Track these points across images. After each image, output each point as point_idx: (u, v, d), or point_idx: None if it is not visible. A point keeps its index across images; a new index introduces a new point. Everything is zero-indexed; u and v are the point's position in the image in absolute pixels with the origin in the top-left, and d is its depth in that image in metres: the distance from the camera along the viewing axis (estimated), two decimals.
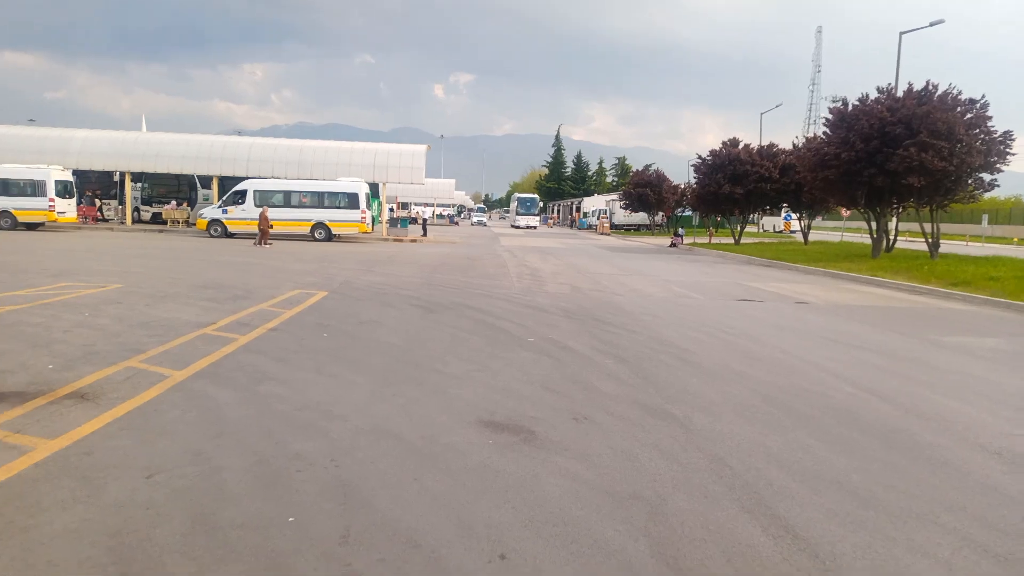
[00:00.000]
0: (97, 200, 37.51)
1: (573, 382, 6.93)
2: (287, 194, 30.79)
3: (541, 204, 76.60)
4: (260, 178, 32.24)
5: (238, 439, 5.01)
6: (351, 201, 30.36)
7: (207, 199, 36.03)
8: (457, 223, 74.13)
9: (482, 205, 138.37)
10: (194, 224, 33.34)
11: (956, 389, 7.31)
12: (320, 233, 30.36)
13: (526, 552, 3.53)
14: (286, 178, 33.14)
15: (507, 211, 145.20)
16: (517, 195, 78.92)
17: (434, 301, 12.32)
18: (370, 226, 31.79)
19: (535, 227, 67.07)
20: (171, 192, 38.38)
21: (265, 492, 4.14)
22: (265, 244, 26.49)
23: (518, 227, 66.94)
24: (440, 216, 76.08)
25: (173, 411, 5.59)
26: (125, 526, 3.67)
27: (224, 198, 30.92)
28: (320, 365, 7.26)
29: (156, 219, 37.42)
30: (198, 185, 37.85)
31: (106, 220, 37.43)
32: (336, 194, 30.67)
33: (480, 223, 78.29)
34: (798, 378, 7.51)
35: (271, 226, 27.51)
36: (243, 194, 30.16)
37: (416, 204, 71.85)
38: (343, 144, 36.98)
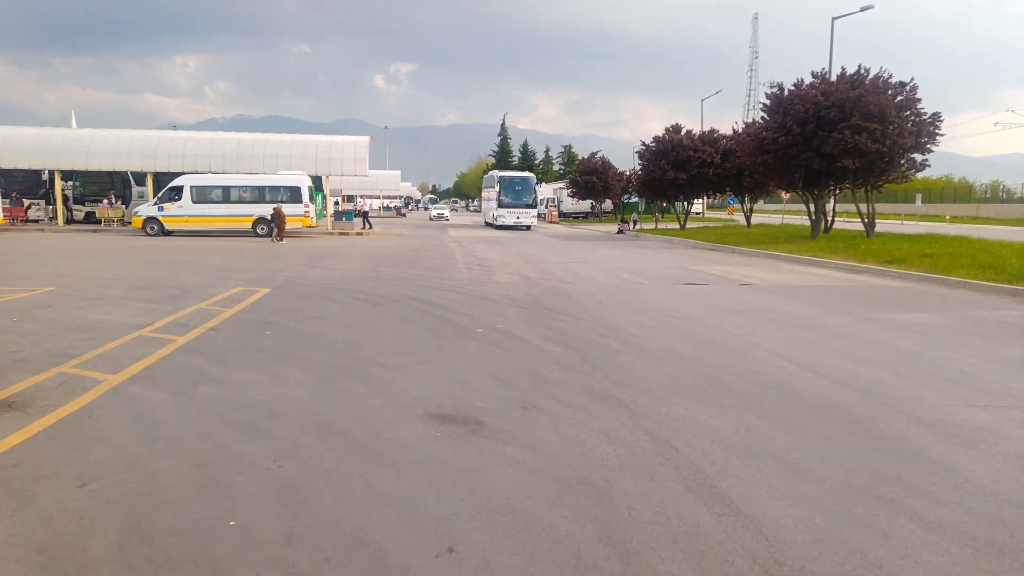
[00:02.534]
0: (24, 200, 35.88)
1: (521, 371, 6.92)
2: (226, 189, 29.94)
3: (537, 187, 46.34)
4: (197, 173, 31.30)
5: (176, 443, 4.85)
6: (293, 195, 29.71)
7: (142, 196, 34.81)
8: (405, 215, 72.51)
9: (433, 196, 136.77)
10: (129, 223, 32.20)
11: (892, 364, 7.55)
12: (262, 228, 29.65)
13: (474, 544, 3.50)
14: (224, 172, 32.22)
15: (473, 202, 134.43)
16: (498, 173, 46.26)
17: (380, 294, 12.16)
18: (314, 220, 31.20)
19: (531, 225, 42.40)
20: (104, 190, 36.92)
21: (205, 497, 4.02)
22: (281, 239, 27.14)
23: (504, 226, 41.91)
24: (387, 208, 74.88)
25: (107, 417, 5.38)
26: (55, 540, 3.51)
27: (160, 195, 29.88)
28: (262, 364, 7.08)
29: (90, 218, 35.99)
30: (132, 182, 36.53)
31: (35, 221, 35.85)
32: (277, 188, 29.97)
33: (440, 217, 60.70)
34: (741, 358, 7.66)
35: (284, 221, 27.93)
36: (179, 190, 29.22)
37: (362, 196, 64.16)
38: (283, 136, 36.14)
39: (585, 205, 60.24)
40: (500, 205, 42.37)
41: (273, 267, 16.71)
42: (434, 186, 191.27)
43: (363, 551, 3.44)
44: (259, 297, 11.61)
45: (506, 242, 28.73)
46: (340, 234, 33.52)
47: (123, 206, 35.64)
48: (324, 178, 35.73)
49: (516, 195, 42.63)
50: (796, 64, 44.64)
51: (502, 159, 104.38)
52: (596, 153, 58.24)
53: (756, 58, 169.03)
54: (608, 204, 58.12)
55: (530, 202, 42.99)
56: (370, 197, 70.02)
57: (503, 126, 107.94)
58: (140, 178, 35.59)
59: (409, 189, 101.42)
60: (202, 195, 29.29)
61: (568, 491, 4.13)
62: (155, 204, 29.58)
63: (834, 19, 30.21)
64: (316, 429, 5.14)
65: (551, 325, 9.42)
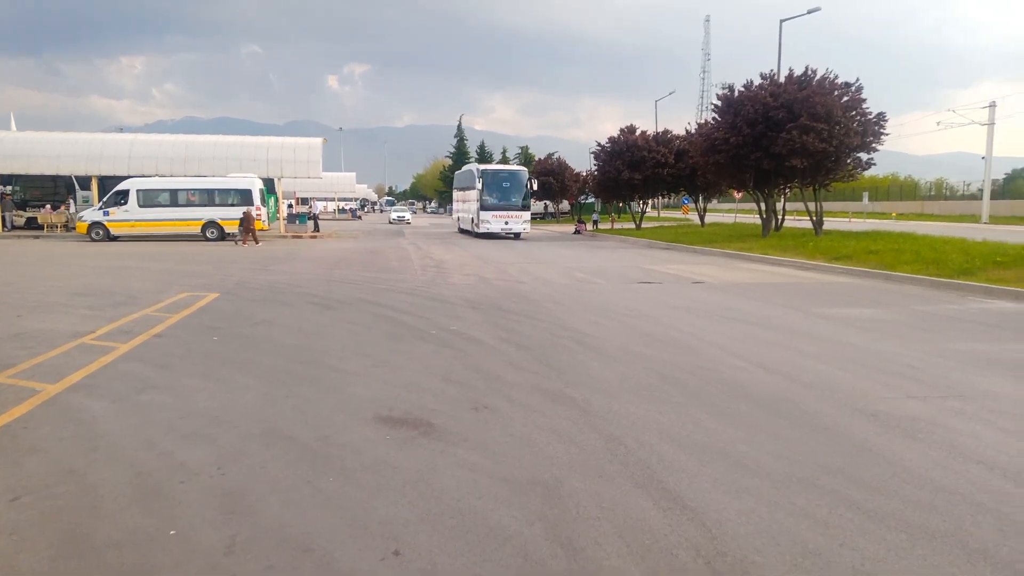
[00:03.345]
0: None
1: (475, 372, 6.91)
2: (174, 192, 29.25)
3: (530, 184, 35.05)
4: (144, 176, 30.52)
5: (116, 453, 4.71)
6: (244, 198, 29.16)
7: (87, 201, 33.80)
8: (360, 217, 71.49)
9: (390, 198, 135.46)
10: (73, 228, 31.24)
11: (837, 358, 7.74)
12: (212, 232, 29.05)
13: (421, 547, 3.48)
14: (172, 176, 31.49)
15: (431, 203, 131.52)
16: (479, 167, 35.04)
17: (333, 298, 12.02)
18: (266, 223, 30.72)
19: (520, 233, 33.29)
20: (47, 195, 35.77)
21: (144, 506, 3.91)
22: (246, 243, 26.63)
23: (488, 234, 33.13)
24: (342, 211, 73.95)
25: (44, 427, 5.20)
26: None
27: (105, 199, 29.06)
28: (208, 370, 6.93)
29: (32, 224, 34.81)
30: (76, 186, 35.45)
31: None
32: (228, 191, 29.40)
33: (401, 220, 56.09)
34: (692, 355, 7.77)
35: (254, 224, 27.56)
36: (125, 194, 28.44)
37: (317, 200, 62.34)
38: (233, 138, 35.51)
39: (541, 206, 60.50)
40: (484, 207, 32.44)
41: (222, 272, 16.38)
42: (390, 188, 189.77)
43: (307, 557, 3.39)
44: (207, 302, 11.36)
45: (464, 243, 28.66)
46: (293, 237, 33.03)
47: (67, 211, 34.57)
48: (276, 180, 35.18)
49: (504, 193, 33.05)
50: (747, 65, 45.63)
51: (459, 160, 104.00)
52: (553, 154, 58.53)
53: (708, 60, 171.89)
54: (565, 205, 58.49)
55: (522, 203, 33.23)
56: (324, 200, 68.79)
57: (460, 127, 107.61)
58: (85, 182, 34.56)
59: (365, 191, 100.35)
60: (149, 199, 28.59)
61: (517, 491, 4.13)
62: (100, 209, 28.76)
63: (782, 21, 30.95)
64: (263, 435, 5.05)
65: (506, 326, 9.43)
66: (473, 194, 34.00)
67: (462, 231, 38.58)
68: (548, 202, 57.70)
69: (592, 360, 7.50)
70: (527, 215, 33.62)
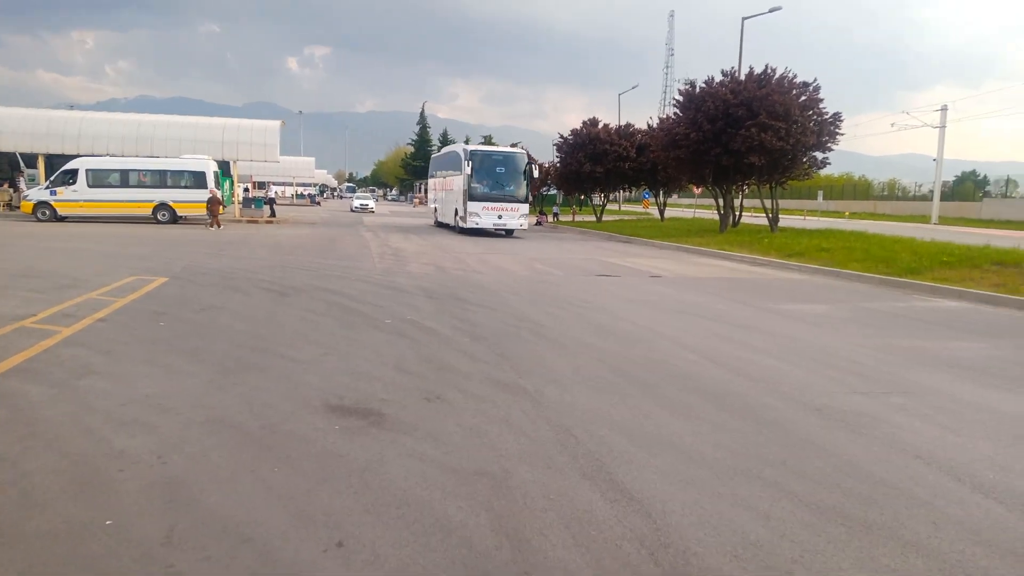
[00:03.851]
0: None
1: (428, 362, 6.86)
2: (124, 173, 28.39)
3: (531, 169, 28.77)
4: (94, 156, 29.57)
5: (52, 440, 4.55)
6: (197, 180, 28.46)
7: (33, 179, 32.64)
8: (319, 203, 70.35)
9: (350, 184, 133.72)
10: (18, 207, 30.15)
11: (786, 352, 7.89)
12: (163, 215, 28.31)
13: (365, 538, 3.43)
14: (124, 156, 30.57)
15: (391, 191, 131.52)
16: (467, 148, 29.35)
17: (287, 284, 11.81)
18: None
19: (516, 229, 27.66)
20: None
21: (80, 496, 3.79)
22: (215, 226, 26.35)
23: (478, 230, 27.25)
24: (300, 196, 72.72)
25: None
26: None
27: (52, 178, 28.08)
28: (153, 356, 6.74)
29: None
30: (22, 164, 34.19)
31: None
32: (181, 172, 28.65)
33: (364, 208, 53.05)
34: (645, 348, 7.83)
35: (221, 206, 27.42)
36: (74, 173, 27.51)
37: (274, 184, 60.51)
38: (187, 119, 34.58)
39: None
40: (472, 197, 26.56)
41: (173, 255, 15.97)
42: (351, 174, 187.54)
43: (248, 547, 3.32)
44: (155, 286, 11.07)
45: (423, 232, 28.45)
46: (249, 222, 32.41)
47: (11, 190, 33.33)
48: (232, 163, 34.44)
49: (497, 181, 26.96)
50: (709, 61, 46.19)
51: (421, 148, 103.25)
52: (516, 144, 58.41)
53: (672, 55, 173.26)
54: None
55: (519, 193, 27.36)
56: (282, 184, 67.44)
57: (423, 114, 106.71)
58: (31, 160, 33.34)
59: (324, 177, 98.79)
60: (99, 179, 27.70)
61: (465, 481, 4.11)
62: (47, 188, 27.77)
63: (744, 19, 31.30)
64: (207, 423, 4.93)
65: (462, 316, 9.38)
66: (458, 181, 27.87)
67: (441, 225, 32.54)
68: None
69: (547, 351, 7.51)
70: (525, 208, 27.51)
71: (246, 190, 41.69)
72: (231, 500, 3.79)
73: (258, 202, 37.43)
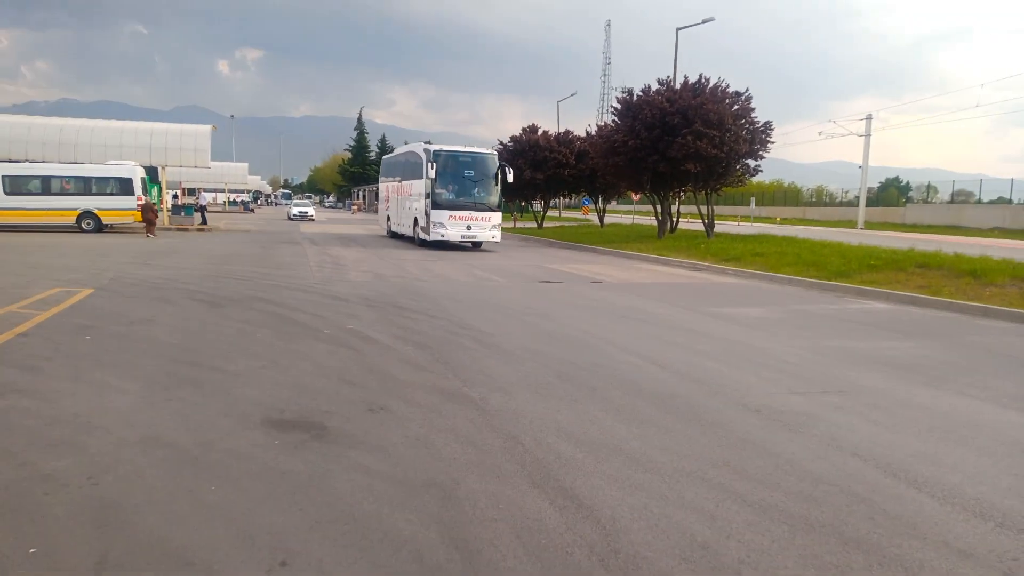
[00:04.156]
0: None
1: (371, 372, 6.74)
2: (46, 179, 27.13)
3: (501, 174, 24.10)
4: (11, 161, 28.16)
5: None
6: (124, 187, 27.41)
7: None
8: (253, 210, 68.50)
9: (286, 191, 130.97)
10: None
11: (726, 355, 8.06)
12: (88, 223, 27.15)
13: (311, 555, 3.32)
14: (45, 162, 29.21)
15: (328, 197, 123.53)
16: (430, 147, 23.74)
17: (221, 295, 11.45)
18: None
19: (487, 241, 24.55)
20: None
21: (1, 523, 3.56)
22: (152, 235, 25.56)
23: (442, 243, 24.16)
24: (233, 203, 70.83)
25: None
26: None
27: None
28: (80, 372, 6.42)
29: None
30: None
31: None
32: (106, 179, 27.54)
33: (304, 216, 49.52)
34: (590, 353, 7.88)
35: (156, 215, 26.60)
36: None
37: (205, 191, 61.83)
38: (113, 123, 33.30)
39: None
40: (436, 204, 23.12)
41: (100, 266, 15.31)
42: (286, 180, 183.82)
43: (187, 571, 3.17)
44: (81, 299, 10.57)
45: (362, 240, 28.05)
46: (179, 230, 31.40)
47: None
48: (160, 169, 33.29)
49: (465, 186, 23.74)
50: (646, 70, 47.14)
51: (359, 154, 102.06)
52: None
53: (609, 64, 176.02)
54: None
55: (491, 200, 24.13)
56: (214, 191, 65.43)
57: (360, 120, 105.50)
58: None
59: (258, 183, 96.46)
60: (17, 186, 26.41)
61: (413, 493, 4.04)
62: None
63: (679, 29, 32.07)
64: (140, 442, 4.71)
65: (404, 324, 9.27)
66: (418, 186, 24.48)
67: (395, 235, 28.94)
68: None
69: (491, 358, 7.47)
70: (497, 218, 24.13)
71: (175, 197, 40.24)
72: (168, 522, 3.62)
73: (188, 209, 36.28)
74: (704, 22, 32.04)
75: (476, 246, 24.90)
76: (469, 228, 23.51)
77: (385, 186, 31.83)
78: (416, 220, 25.05)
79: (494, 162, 24.35)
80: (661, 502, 3.99)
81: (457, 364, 7.17)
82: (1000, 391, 6.73)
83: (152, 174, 31.55)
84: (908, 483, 4.37)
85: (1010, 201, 50.49)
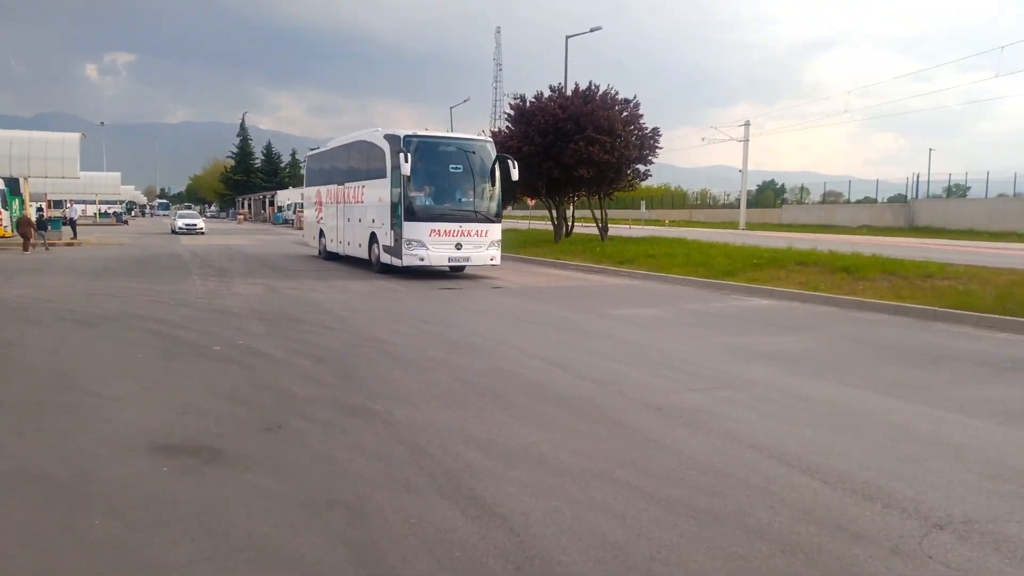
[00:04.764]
0: None
1: (266, 389, 6.42)
2: None
3: (498, 169, 17.29)
4: None
5: None
6: None
7: None
8: (127, 222, 64.22)
9: (163, 201, 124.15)
10: None
11: (626, 356, 8.23)
12: None
13: None
14: None
15: (210, 207, 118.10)
16: (399, 134, 16.63)
17: (95, 313, 10.65)
18: (9, 229, 26.76)
19: (485, 263, 17.40)
20: None
21: None
22: (28, 249, 23.65)
23: (422, 269, 17.30)
24: (104, 214, 66.42)
25: None
26: None
27: None
28: None
29: None
30: None
31: None
32: None
33: (193, 229, 42.17)
34: (494, 359, 7.85)
35: (33, 228, 24.42)
36: None
37: (75, 202, 54.09)
38: None
39: None
40: (411, 214, 16.44)
41: None
42: (162, 190, 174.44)
43: None
44: None
45: (249, 250, 26.85)
46: (47, 245, 29.09)
47: None
48: (22, 180, 30.76)
49: (452, 187, 17.37)
50: (537, 76, 47.88)
51: (243, 161, 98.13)
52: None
53: (500, 70, 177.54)
54: None
55: (488, 206, 17.55)
56: (83, 203, 61.08)
57: (243, 126, 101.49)
58: None
59: (132, 193, 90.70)
60: None
61: (317, 514, 3.85)
62: None
63: (568, 37, 32.68)
64: (7, 477, 4.27)
65: (300, 338, 8.92)
66: (377, 189, 17.96)
67: (333, 256, 22.08)
68: None
69: (394, 369, 7.30)
70: (497, 232, 17.49)
71: (39, 210, 37.20)
72: (44, 563, 3.28)
73: (55, 223, 33.70)
74: (592, 31, 32.87)
75: (456, 269, 18.48)
76: (459, 247, 16.58)
77: (316, 191, 23.96)
78: (374, 237, 18.16)
79: (490, 153, 17.65)
80: (572, 504, 3.99)
81: (359, 377, 6.96)
82: (877, 379, 7.20)
83: (13, 186, 29.10)
84: (802, 471, 4.58)
85: (875, 200, 54.79)
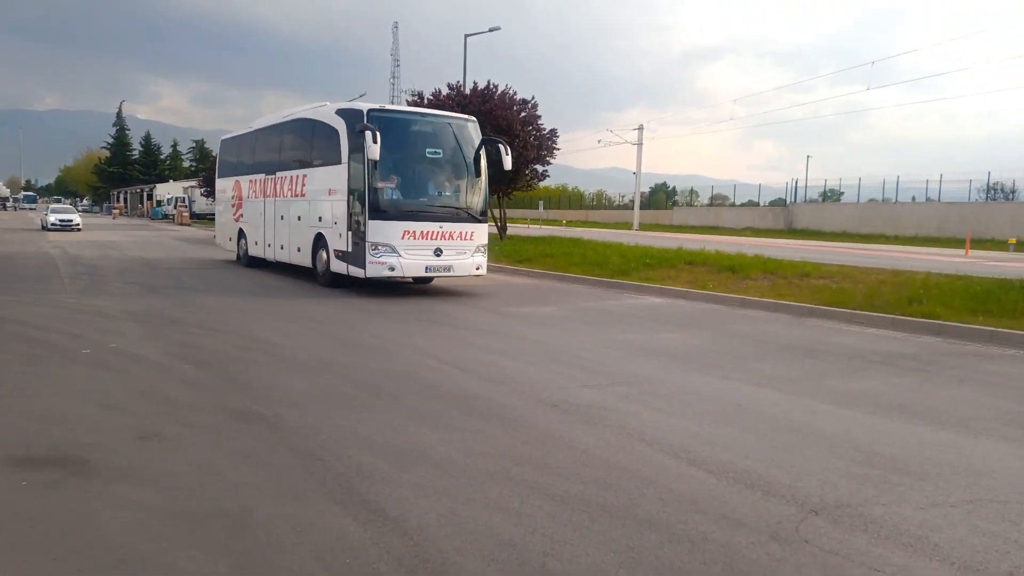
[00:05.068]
0: None
1: (142, 396, 6.03)
2: None
3: (496, 147, 14.38)
4: None
5: None
6: None
7: None
8: None
9: (30, 194, 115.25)
10: None
11: (523, 353, 8.28)
12: None
13: None
14: None
15: (82, 201, 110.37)
16: (360, 108, 13.29)
17: None
18: None
19: (468, 274, 13.95)
20: None
21: None
22: None
23: (388, 281, 13.91)
24: None
25: None
26: None
27: None
28: None
29: None
30: None
31: None
32: None
33: (68, 224, 37.40)
34: (387, 360, 7.71)
35: None
36: None
37: None
38: None
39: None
40: (376, 211, 12.73)
41: None
42: (28, 182, 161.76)
43: None
44: None
45: (124, 247, 25.12)
46: None
47: None
48: None
49: (427, 177, 14.04)
50: (436, 73, 47.58)
51: (119, 153, 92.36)
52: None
53: (398, 66, 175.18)
54: None
55: (472, 201, 14.28)
56: None
57: (119, 115, 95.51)
58: None
59: None
60: None
61: (198, 526, 3.63)
62: None
63: (467, 36, 32.68)
64: None
65: (181, 340, 8.45)
66: (327, 178, 14.26)
67: (257, 262, 18.28)
68: None
69: (283, 372, 7.04)
70: (482, 233, 14.23)
71: None
72: None
73: None
74: (491, 31, 32.98)
75: (423, 281, 15.06)
76: (439, 253, 13.17)
77: (235, 183, 19.68)
78: (321, 240, 14.29)
79: (473, 134, 14.40)
80: (468, 505, 3.95)
81: (245, 380, 6.66)
82: (759, 373, 7.56)
83: None
84: (689, 463, 4.73)
85: (758, 204, 57.98)
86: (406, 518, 3.76)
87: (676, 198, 79.14)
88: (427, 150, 13.65)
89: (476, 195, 14.27)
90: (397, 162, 13.23)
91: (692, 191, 71.35)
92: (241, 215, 19.29)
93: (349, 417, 5.54)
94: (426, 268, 13.22)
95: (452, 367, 7.39)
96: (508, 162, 14.44)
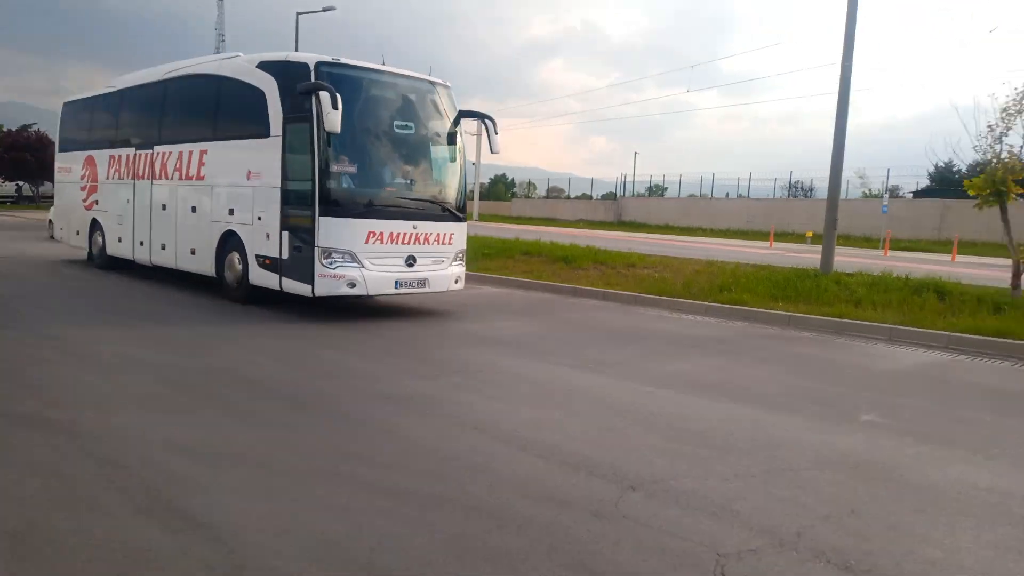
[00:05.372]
0: None
1: None
2: None
3: (486, 122, 10.85)
4: None
5: None
6: None
7: None
8: None
9: None
10: None
11: (355, 345, 8.08)
12: None
13: None
14: None
15: None
16: (294, 58, 9.72)
17: None
18: None
19: (445, 288, 10.62)
20: None
21: None
22: None
23: (353, 291, 9.36)
24: None
25: None
26: None
27: None
28: None
29: None
30: None
31: None
32: None
33: None
34: (205, 356, 7.24)
35: None
36: None
37: None
38: None
39: (12, 188, 50.61)
40: (332, 205, 9.17)
41: None
42: None
43: None
44: None
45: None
46: None
47: None
48: None
49: (396, 162, 10.33)
50: (267, 49, 45.04)
51: None
52: (31, 125, 49.08)
53: (223, 40, 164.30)
54: (49, 187, 49.70)
55: (446, 191, 10.77)
56: None
57: None
58: None
59: None
60: None
61: None
62: None
63: (298, 14, 31.33)
64: None
65: None
66: (247, 158, 10.37)
67: (117, 264, 14.08)
68: (24, 183, 48.57)
69: (83, 372, 6.38)
70: (462, 236, 10.95)
71: None
72: None
73: None
74: (325, 10, 31.78)
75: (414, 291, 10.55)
76: (411, 262, 9.88)
77: (86, 158, 15.10)
78: (234, 241, 10.63)
79: (450, 105, 10.98)
80: (291, 505, 3.77)
81: (36, 383, 5.96)
82: (587, 358, 7.88)
83: None
84: (519, 448, 4.83)
85: (591, 197, 60.57)
86: (221, 524, 3.51)
87: (515, 190, 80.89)
88: (395, 123, 10.15)
89: (456, 185, 10.96)
90: (356, 138, 9.65)
91: (530, 183, 73.26)
92: (96, 202, 14.72)
93: (159, 419, 5.10)
94: (395, 283, 9.77)
95: (275, 361, 7.05)
96: (497, 143, 11.23)
